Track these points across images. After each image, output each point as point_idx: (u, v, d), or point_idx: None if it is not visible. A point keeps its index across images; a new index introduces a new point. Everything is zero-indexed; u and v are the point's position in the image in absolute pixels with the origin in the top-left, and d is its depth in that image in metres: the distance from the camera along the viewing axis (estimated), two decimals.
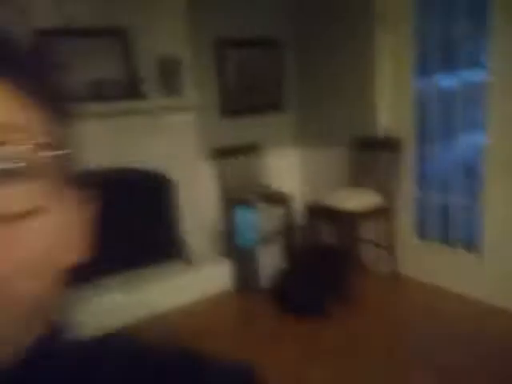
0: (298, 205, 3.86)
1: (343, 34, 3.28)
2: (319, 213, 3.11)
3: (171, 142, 3.35)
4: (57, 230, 0.30)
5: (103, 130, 3.10)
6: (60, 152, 0.30)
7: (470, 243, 2.79)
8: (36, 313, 0.29)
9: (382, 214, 2.99)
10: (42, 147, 0.28)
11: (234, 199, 3.54)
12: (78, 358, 0.34)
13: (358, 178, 3.21)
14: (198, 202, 3.52)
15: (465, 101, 2.63)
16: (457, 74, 2.62)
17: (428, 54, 2.75)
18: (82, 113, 2.94)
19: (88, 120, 3.03)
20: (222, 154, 3.65)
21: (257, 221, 3.08)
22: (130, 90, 3.08)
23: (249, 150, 3.76)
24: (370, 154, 3.08)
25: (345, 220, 2.87)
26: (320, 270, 2.84)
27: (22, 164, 0.26)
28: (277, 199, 3.54)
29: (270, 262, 3.16)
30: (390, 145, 2.95)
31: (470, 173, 2.93)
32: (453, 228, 2.85)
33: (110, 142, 3.13)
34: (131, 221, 3.25)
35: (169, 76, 3.19)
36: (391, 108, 3.03)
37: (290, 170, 4.07)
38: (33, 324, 0.29)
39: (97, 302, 2.87)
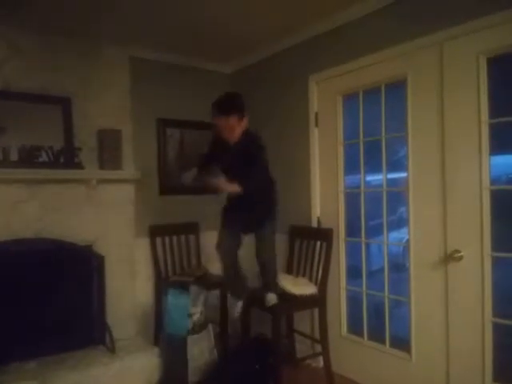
0: None
1: (281, 128, 3.48)
2: (254, 299, 2.99)
3: (105, 215, 3.21)
4: None
5: (31, 198, 2.90)
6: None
7: (401, 341, 2.75)
8: None
9: (316, 304, 2.93)
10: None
11: (167, 281, 3.34)
12: None
13: (294, 266, 3.19)
14: (129, 282, 3.29)
15: (390, 198, 2.78)
16: (381, 174, 2.79)
17: (356, 154, 2.96)
18: (10, 178, 2.77)
19: (16, 185, 2.85)
20: (159, 231, 3.52)
21: (189, 307, 2.89)
22: (66, 158, 2.97)
23: (186, 228, 3.66)
24: (306, 243, 3.12)
25: (279, 308, 2.78)
26: (252, 363, 2.68)
27: None
28: (212, 283, 3.39)
29: (200, 352, 2.93)
30: (322, 235, 3.01)
31: (399, 268, 3.01)
32: (382, 324, 2.83)
33: (38, 210, 2.92)
34: (52, 300, 2.96)
35: (108, 148, 3.15)
36: (324, 201, 3.17)
37: None
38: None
39: None
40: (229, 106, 2.42)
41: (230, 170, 2.47)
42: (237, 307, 2.78)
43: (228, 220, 2.72)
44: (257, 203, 2.57)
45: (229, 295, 2.97)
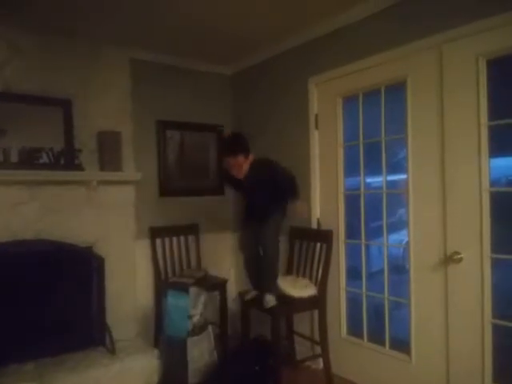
0: (233, 290, 3.73)
1: (281, 129, 3.48)
2: (252, 300, 2.99)
3: (106, 217, 3.20)
4: None
5: (32, 199, 2.90)
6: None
7: (400, 342, 2.75)
8: None
9: (316, 305, 2.93)
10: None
11: (167, 282, 3.34)
12: None
13: (294, 267, 3.19)
14: (130, 283, 3.28)
15: (390, 200, 2.78)
16: (382, 176, 2.79)
17: (356, 156, 2.96)
18: (10, 179, 2.77)
19: (16, 187, 2.85)
20: (159, 232, 3.51)
21: (189, 308, 2.89)
22: (67, 160, 2.97)
23: (186, 230, 3.66)
24: (306, 245, 3.12)
25: (279, 310, 2.78)
26: (252, 365, 2.68)
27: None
28: (212, 284, 3.39)
29: (200, 354, 2.92)
30: (322, 237, 3.01)
31: (399, 270, 3.01)
32: (382, 326, 2.82)
33: (38, 211, 2.92)
34: (51, 301, 2.95)
35: (108, 150, 3.15)
36: (324, 202, 3.18)
37: (226, 253, 3.98)
38: None
39: None
40: (235, 147, 2.70)
41: (250, 199, 2.92)
42: (266, 301, 2.76)
43: (246, 224, 2.96)
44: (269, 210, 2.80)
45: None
